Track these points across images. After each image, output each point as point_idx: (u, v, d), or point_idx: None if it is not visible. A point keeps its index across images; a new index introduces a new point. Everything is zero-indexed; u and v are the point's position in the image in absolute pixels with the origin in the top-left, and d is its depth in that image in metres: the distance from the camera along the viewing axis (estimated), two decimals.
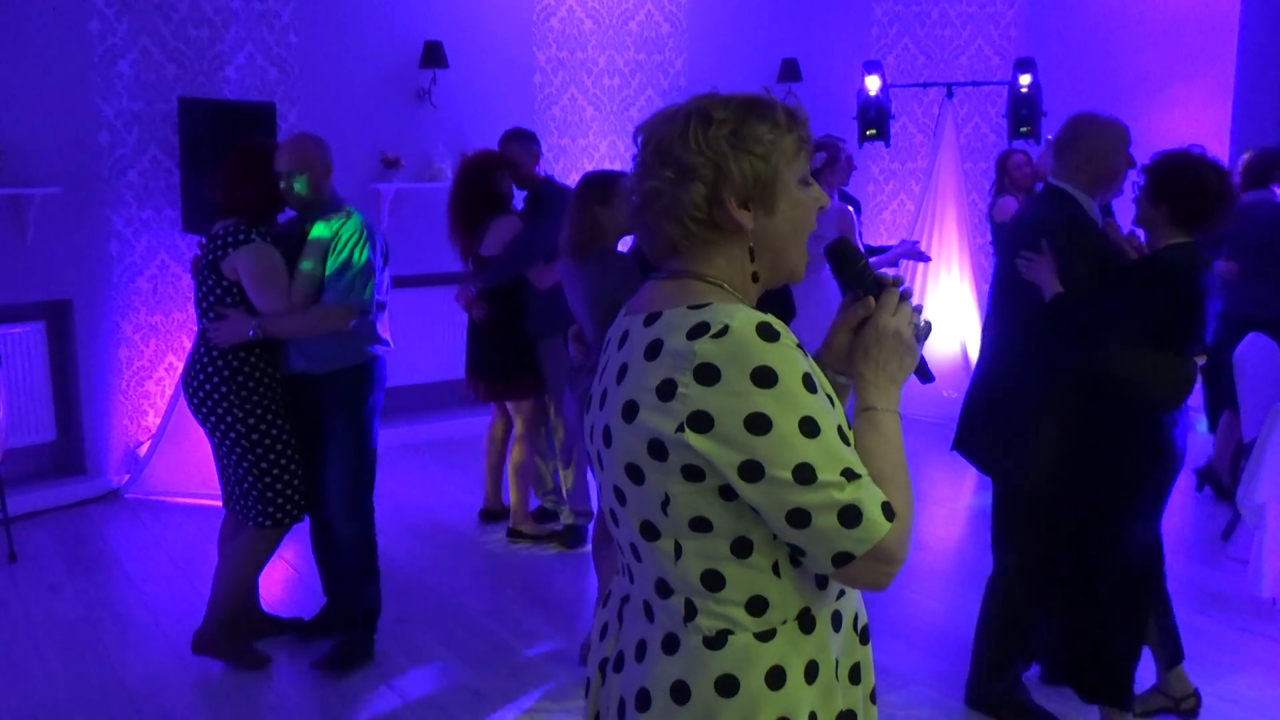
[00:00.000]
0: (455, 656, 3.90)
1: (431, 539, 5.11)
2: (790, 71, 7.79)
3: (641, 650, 1.47)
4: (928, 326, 1.53)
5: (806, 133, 1.44)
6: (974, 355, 7.08)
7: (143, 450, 5.82)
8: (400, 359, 6.71)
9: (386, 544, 5.00)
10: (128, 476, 5.80)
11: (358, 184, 6.47)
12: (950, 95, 7.32)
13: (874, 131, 7.25)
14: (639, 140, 1.45)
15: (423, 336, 6.75)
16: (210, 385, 3.60)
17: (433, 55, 6.44)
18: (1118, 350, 2.95)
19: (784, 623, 1.41)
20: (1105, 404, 3.03)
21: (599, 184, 3.87)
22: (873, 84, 7.20)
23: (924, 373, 1.55)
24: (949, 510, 5.57)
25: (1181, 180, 2.98)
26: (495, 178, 4.88)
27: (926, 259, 6.69)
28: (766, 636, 1.40)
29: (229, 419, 3.60)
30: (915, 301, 1.52)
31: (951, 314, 7.15)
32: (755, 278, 1.44)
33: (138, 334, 5.85)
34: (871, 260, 5.93)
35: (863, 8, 8.18)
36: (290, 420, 3.72)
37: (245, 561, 3.74)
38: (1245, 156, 5.47)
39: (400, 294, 6.65)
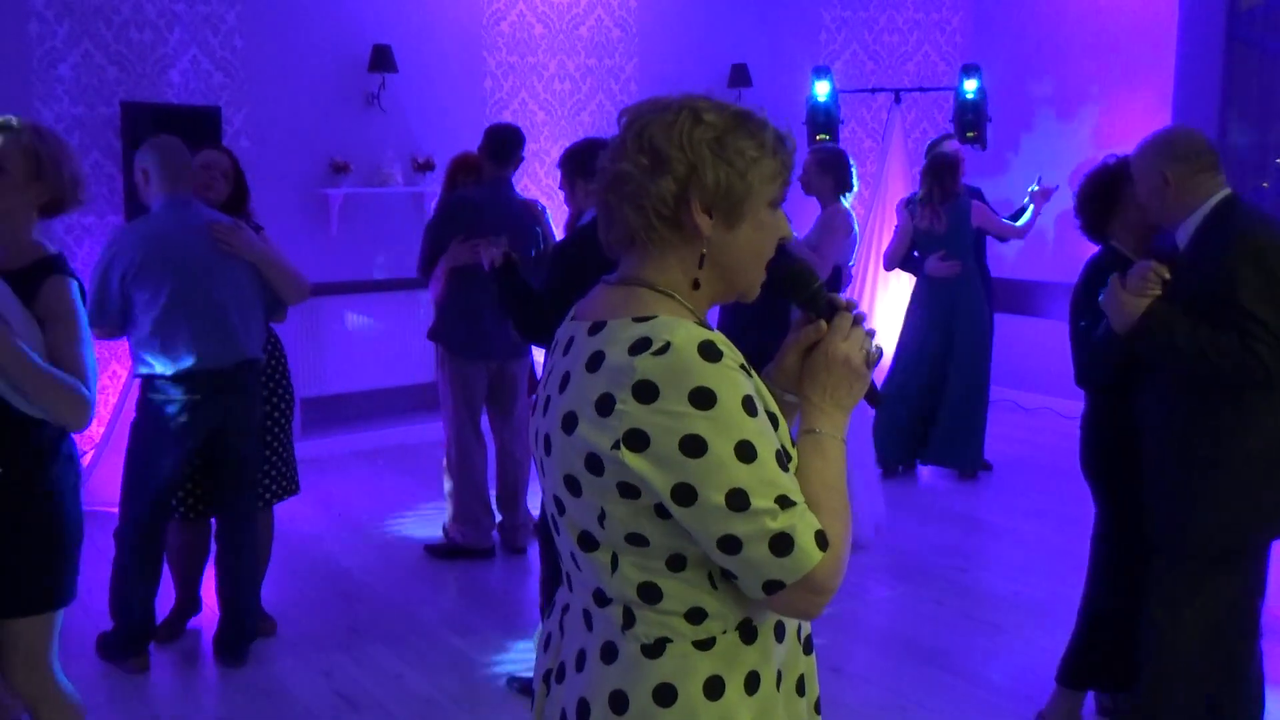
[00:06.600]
0: (408, 666, 3.86)
1: (384, 547, 5.06)
2: (740, 76, 7.82)
3: (581, 660, 1.45)
4: (879, 352, 1.49)
5: (790, 160, 1.43)
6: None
7: (86, 460, 5.70)
8: (347, 366, 6.69)
9: (339, 552, 4.97)
10: None
11: (305, 188, 6.40)
12: (898, 101, 7.41)
13: (824, 136, 7.31)
14: (622, 121, 1.42)
15: (370, 343, 6.70)
16: None
17: (382, 59, 6.39)
18: None
19: (724, 632, 1.39)
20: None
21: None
22: (822, 89, 7.27)
23: (874, 397, 1.52)
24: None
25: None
26: (458, 182, 4.89)
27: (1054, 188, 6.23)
28: (705, 645, 1.39)
29: None
30: (869, 326, 1.50)
31: (899, 318, 7.18)
32: (696, 284, 1.41)
33: None
34: (1019, 224, 6.10)
35: (811, 14, 8.24)
36: None
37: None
38: None
39: (347, 300, 6.61)
